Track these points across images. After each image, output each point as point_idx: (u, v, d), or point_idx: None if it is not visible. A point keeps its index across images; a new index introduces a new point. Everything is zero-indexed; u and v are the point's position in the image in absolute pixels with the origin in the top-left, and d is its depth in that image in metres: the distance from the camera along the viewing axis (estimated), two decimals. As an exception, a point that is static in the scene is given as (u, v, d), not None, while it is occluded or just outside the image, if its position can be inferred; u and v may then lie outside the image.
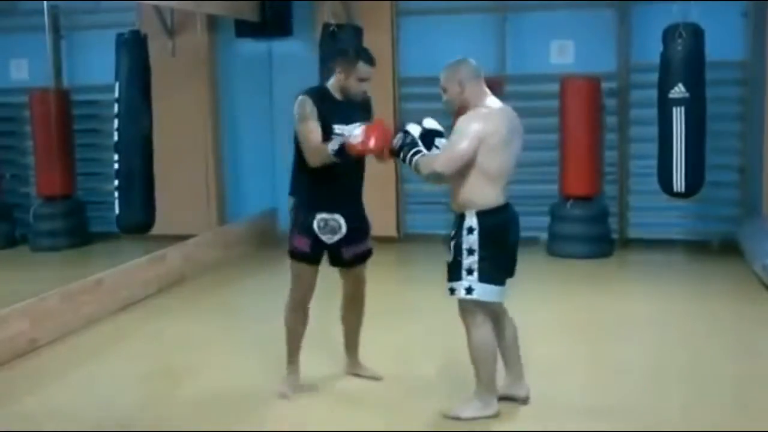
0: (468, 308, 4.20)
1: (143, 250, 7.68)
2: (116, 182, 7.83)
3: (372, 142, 4.21)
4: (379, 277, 7.51)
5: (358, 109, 4.52)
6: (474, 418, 4.25)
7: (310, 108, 4.43)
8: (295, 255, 4.61)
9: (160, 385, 5.14)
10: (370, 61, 4.48)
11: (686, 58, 7.43)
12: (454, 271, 4.17)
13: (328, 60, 6.46)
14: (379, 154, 4.39)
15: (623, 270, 8.06)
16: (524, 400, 4.43)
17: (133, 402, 4.87)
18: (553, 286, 7.33)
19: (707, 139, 7.53)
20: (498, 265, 4.14)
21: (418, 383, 4.88)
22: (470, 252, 4.11)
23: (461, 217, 4.16)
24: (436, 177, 4.16)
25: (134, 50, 7.74)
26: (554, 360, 5.27)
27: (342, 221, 4.54)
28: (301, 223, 4.56)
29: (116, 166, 7.84)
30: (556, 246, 8.29)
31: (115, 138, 7.82)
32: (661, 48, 7.56)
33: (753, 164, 8.37)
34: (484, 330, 4.19)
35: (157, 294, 7.17)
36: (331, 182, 4.47)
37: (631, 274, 7.91)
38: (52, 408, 4.73)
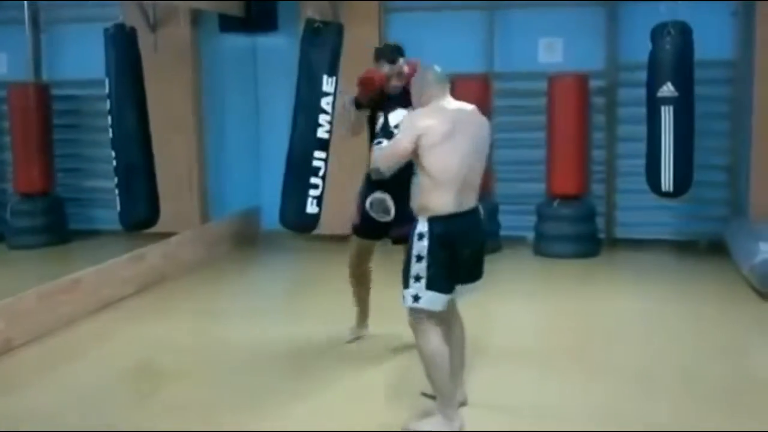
0: (417, 317, 4.05)
1: (123, 248, 7.55)
2: (116, 179, 7.78)
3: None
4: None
5: (400, 101, 4.81)
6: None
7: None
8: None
9: (139, 387, 5.06)
10: (388, 59, 4.99)
11: (675, 57, 7.35)
12: (404, 278, 4.06)
13: (307, 56, 6.62)
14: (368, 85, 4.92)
15: (610, 270, 7.98)
16: (464, 403, 4.36)
17: (110, 404, 4.75)
18: (540, 286, 7.28)
19: (695, 139, 7.46)
20: (447, 274, 4.02)
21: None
22: (419, 259, 3.99)
23: (416, 222, 4.05)
24: (377, 173, 4.18)
25: (124, 44, 7.66)
26: (541, 361, 5.24)
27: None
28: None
29: (114, 162, 7.80)
30: (543, 245, 8.22)
31: (110, 134, 7.75)
32: (649, 46, 7.48)
33: (741, 164, 8.35)
34: (434, 339, 4.04)
35: (137, 294, 7.03)
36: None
37: (618, 275, 7.82)
38: (27, 409, 4.63)
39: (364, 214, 5.12)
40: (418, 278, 3.99)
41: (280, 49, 9.18)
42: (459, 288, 4.13)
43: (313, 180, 6.65)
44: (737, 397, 4.68)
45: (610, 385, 4.83)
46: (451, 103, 4.16)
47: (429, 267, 3.97)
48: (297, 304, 7.12)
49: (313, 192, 6.65)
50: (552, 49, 8.75)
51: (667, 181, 7.36)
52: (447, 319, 4.20)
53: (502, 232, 8.39)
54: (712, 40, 7.93)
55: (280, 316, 6.56)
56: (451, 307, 4.24)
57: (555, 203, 8.21)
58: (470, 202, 4.07)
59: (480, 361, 4.93)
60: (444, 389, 4.07)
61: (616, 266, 8.13)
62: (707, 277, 7.40)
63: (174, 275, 7.64)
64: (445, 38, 8.74)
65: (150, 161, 7.86)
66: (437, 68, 4.22)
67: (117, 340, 5.98)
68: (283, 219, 6.96)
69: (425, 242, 3.97)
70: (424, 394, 4.39)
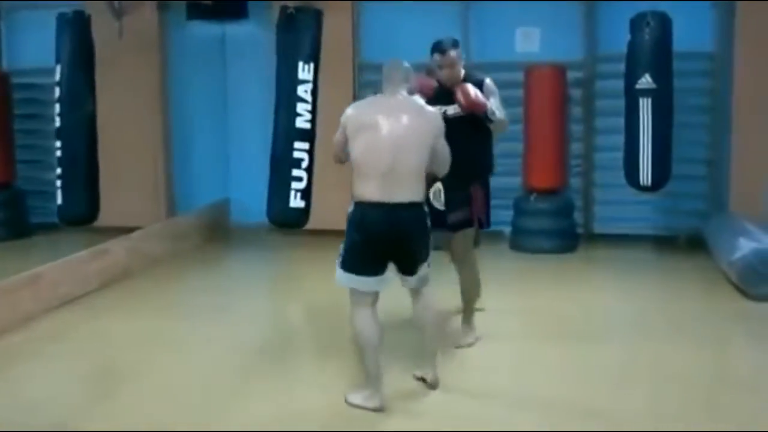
0: (350, 294, 4.28)
1: (86, 243, 7.31)
2: (58, 170, 7.50)
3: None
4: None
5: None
6: (357, 406, 4.27)
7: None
8: None
9: (99, 387, 4.87)
10: (438, 50, 5.03)
11: (653, 48, 7.19)
12: None
13: (282, 43, 6.57)
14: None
15: (588, 266, 7.87)
16: (430, 385, 4.47)
17: (63, 403, 4.56)
18: (516, 282, 7.10)
19: (674, 132, 7.31)
20: (362, 258, 4.18)
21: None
22: (344, 240, 4.27)
23: None
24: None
25: (76, 31, 7.41)
26: (517, 358, 5.17)
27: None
28: None
29: (58, 153, 7.52)
30: (520, 240, 8.08)
31: (57, 124, 7.48)
32: (628, 37, 7.30)
33: (720, 158, 8.25)
34: (358, 317, 4.25)
35: (100, 290, 6.81)
36: None
37: (596, 270, 7.69)
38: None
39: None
40: (339, 256, 4.26)
41: (250, 37, 8.98)
42: (401, 277, 4.33)
43: (296, 172, 6.55)
44: (715, 395, 4.58)
45: (587, 382, 4.73)
46: (393, 97, 4.29)
47: (345, 249, 4.23)
48: (267, 301, 7.00)
49: (296, 185, 6.55)
50: (529, 38, 8.63)
51: (645, 175, 7.20)
52: (373, 303, 4.29)
53: (478, 227, 8.20)
54: (692, 31, 7.83)
55: (249, 313, 6.35)
56: (414, 292, 4.41)
57: (532, 197, 8.05)
58: (400, 195, 4.13)
59: (451, 359, 4.90)
60: (366, 367, 4.28)
61: (593, 262, 8.01)
62: (686, 273, 7.31)
63: (138, 271, 7.43)
64: (420, 27, 8.50)
65: (93, 154, 7.55)
66: (390, 62, 4.39)
67: (77, 337, 5.77)
68: (268, 214, 6.80)
69: (346, 224, 4.23)
70: (416, 377, 4.54)
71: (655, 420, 4.16)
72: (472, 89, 4.90)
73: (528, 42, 8.61)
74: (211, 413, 4.32)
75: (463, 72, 5.10)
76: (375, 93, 4.60)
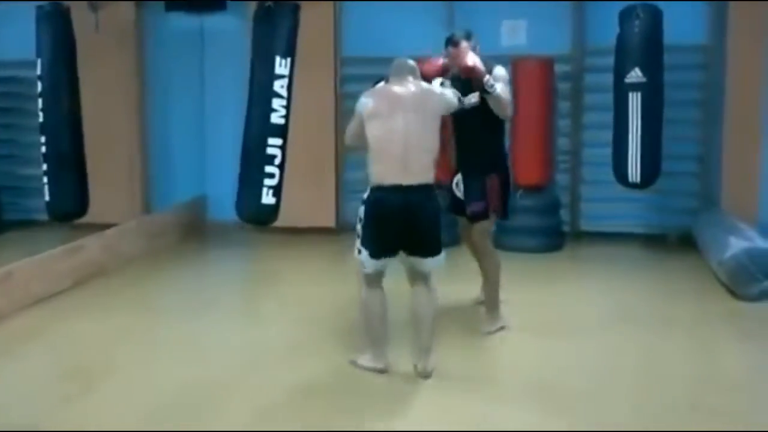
0: (358, 269, 4.69)
1: (60, 240, 7.14)
2: (45, 166, 7.47)
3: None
4: (311, 273, 7.23)
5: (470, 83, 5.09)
6: (365, 368, 4.67)
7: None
8: None
9: (70, 386, 4.69)
10: (450, 42, 5.26)
11: (643, 41, 7.03)
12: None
13: (259, 37, 6.54)
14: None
15: (574, 265, 7.70)
16: (421, 374, 4.59)
17: (34, 404, 4.44)
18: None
19: (664, 127, 7.15)
20: (376, 238, 4.49)
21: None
22: (360, 220, 4.73)
23: None
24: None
25: (56, 24, 7.33)
26: (500, 358, 5.13)
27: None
28: None
29: (43, 149, 7.48)
30: (504, 239, 7.80)
31: (41, 119, 7.42)
32: (617, 30, 7.14)
33: (712, 154, 8.07)
34: (365, 291, 4.64)
35: (73, 288, 6.61)
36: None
37: (582, 269, 7.51)
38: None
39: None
40: (358, 236, 4.75)
41: (228, 30, 8.74)
42: (410, 259, 4.54)
43: (269, 169, 6.51)
44: (700, 397, 4.45)
45: (572, 383, 4.63)
46: (402, 86, 4.56)
47: (362, 228, 4.65)
48: (243, 300, 6.86)
49: (268, 181, 6.51)
50: (515, 31, 8.41)
51: (634, 171, 7.05)
52: (379, 286, 4.63)
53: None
54: (683, 23, 7.64)
55: (224, 312, 6.20)
56: (413, 280, 4.63)
57: (517, 194, 7.86)
58: (411, 178, 4.39)
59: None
60: (369, 333, 4.69)
61: (580, 261, 7.83)
62: (676, 272, 7.15)
63: (113, 269, 7.25)
64: (404, 20, 8.44)
65: (80, 149, 7.53)
66: (397, 60, 4.74)
67: (49, 337, 5.59)
68: (239, 210, 6.68)
69: (363, 206, 4.63)
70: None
71: (639, 419, 4.12)
72: (472, 57, 5.01)
73: (514, 35, 8.41)
74: (184, 413, 4.23)
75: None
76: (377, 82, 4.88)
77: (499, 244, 7.82)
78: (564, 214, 8.34)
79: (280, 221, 6.98)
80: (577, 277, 7.20)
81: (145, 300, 6.59)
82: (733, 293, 6.24)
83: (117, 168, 8.56)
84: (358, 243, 4.73)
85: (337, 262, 7.78)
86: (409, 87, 4.55)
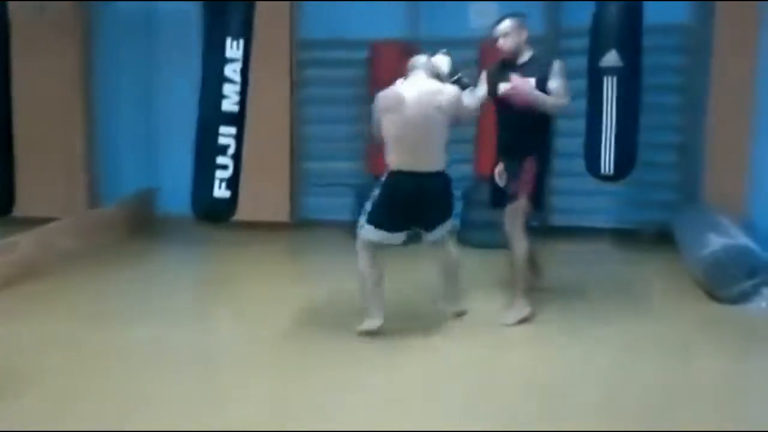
0: (358, 241, 5.23)
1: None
2: None
3: None
4: (264, 272, 6.83)
5: (516, 69, 5.41)
6: (365, 332, 5.12)
7: None
8: None
9: None
10: (496, 21, 5.51)
11: (621, 22, 6.46)
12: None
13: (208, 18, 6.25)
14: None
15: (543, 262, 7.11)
16: (456, 314, 5.49)
17: None
18: (464, 280, 6.30)
19: (642, 114, 6.59)
20: (387, 215, 5.10)
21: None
22: (372, 198, 5.17)
23: None
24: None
25: None
26: (460, 360, 4.89)
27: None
28: None
29: None
30: (469, 234, 7.42)
31: None
32: (593, 9, 6.62)
33: (693, 143, 7.63)
34: (362, 262, 5.20)
35: (3, 289, 6.22)
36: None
37: (552, 267, 6.87)
38: None
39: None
40: (364, 212, 5.18)
41: (179, 15, 8.28)
42: (423, 235, 5.29)
43: (221, 160, 6.17)
44: (671, 402, 4.26)
45: (533, 389, 4.43)
46: (412, 83, 5.12)
47: (373, 206, 5.15)
48: (190, 302, 6.43)
49: (221, 173, 6.17)
50: (484, 12, 7.85)
51: (607, 162, 6.49)
52: (381, 258, 5.24)
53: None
54: (664, 2, 7.14)
55: (174, 316, 5.84)
56: (436, 245, 5.35)
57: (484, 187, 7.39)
58: (420, 165, 5.04)
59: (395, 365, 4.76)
60: (365, 300, 5.23)
61: (550, 258, 7.24)
62: (650, 271, 6.82)
63: (50, 268, 6.83)
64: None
65: (8, 143, 7.03)
66: (415, 57, 5.26)
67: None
68: (192, 205, 6.38)
69: (378, 187, 5.16)
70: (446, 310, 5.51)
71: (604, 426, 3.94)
72: (520, 86, 5.24)
73: (483, 16, 7.90)
74: (117, 421, 4.01)
75: (528, 50, 5.46)
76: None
77: (463, 240, 7.47)
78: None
79: (243, 215, 6.66)
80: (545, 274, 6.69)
81: (83, 303, 6.14)
82: (711, 294, 5.86)
83: (60, 160, 8.22)
84: (363, 219, 5.18)
85: (294, 261, 7.49)
86: (417, 85, 5.09)
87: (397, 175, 5.09)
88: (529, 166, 5.34)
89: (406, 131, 5.01)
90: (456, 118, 5.14)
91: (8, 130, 7.04)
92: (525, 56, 5.45)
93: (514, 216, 5.46)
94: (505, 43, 5.40)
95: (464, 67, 5.52)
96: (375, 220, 5.13)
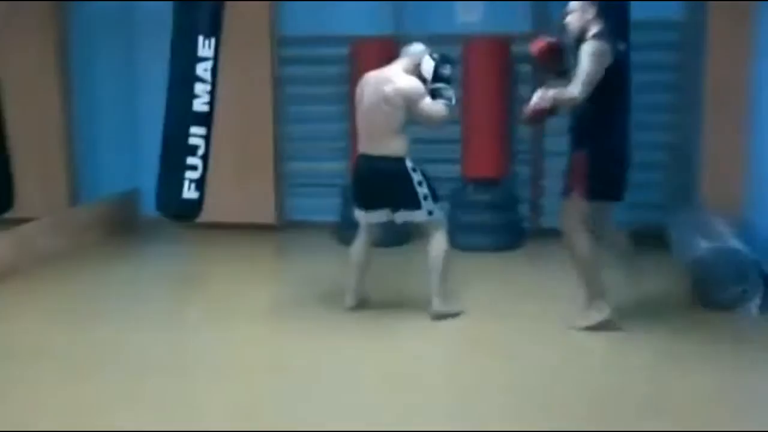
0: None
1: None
2: None
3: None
4: (250, 274, 6.75)
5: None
6: (347, 308, 5.58)
7: None
8: None
9: None
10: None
11: (610, 17, 6.18)
12: None
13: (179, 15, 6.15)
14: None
15: (533, 265, 7.07)
16: (438, 315, 5.42)
17: None
18: (452, 284, 6.05)
19: (631, 113, 6.35)
20: (359, 197, 5.50)
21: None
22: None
23: None
24: None
25: None
26: (444, 366, 4.86)
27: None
28: None
29: None
30: (457, 237, 7.10)
31: None
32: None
33: (686, 143, 7.38)
34: (354, 244, 5.63)
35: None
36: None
37: (541, 270, 6.85)
38: None
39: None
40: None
41: (160, 10, 7.96)
42: (395, 215, 5.44)
43: (191, 160, 6.12)
44: (655, 416, 4.03)
45: (510, 400, 4.24)
46: (381, 70, 5.39)
47: (352, 190, 5.58)
48: (169, 304, 6.26)
49: (190, 174, 6.12)
50: (470, 8, 7.76)
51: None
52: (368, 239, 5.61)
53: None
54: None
55: (144, 317, 5.69)
56: (426, 235, 5.50)
57: (471, 188, 7.24)
58: (374, 149, 5.32)
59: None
60: (349, 279, 5.63)
61: (539, 260, 7.17)
62: (642, 275, 6.28)
63: (27, 268, 6.71)
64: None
65: (2, 141, 7.17)
66: (414, 45, 5.46)
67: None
68: (158, 204, 6.32)
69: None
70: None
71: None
72: (536, 102, 5.05)
73: (469, 12, 7.73)
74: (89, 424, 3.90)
75: (590, 28, 4.99)
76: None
77: (452, 243, 7.17)
78: (523, 209, 7.76)
79: (214, 217, 6.69)
80: (533, 278, 6.61)
81: (60, 304, 6.02)
82: (701, 300, 5.64)
83: (40, 159, 8.13)
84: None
85: (278, 263, 7.38)
86: (382, 72, 5.35)
87: (359, 158, 5.46)
88: (579, 160, 5.06)
89: (362, 116, 5.37)
90: (410, 113, 5.23)
91: (2, 130, 7.09)
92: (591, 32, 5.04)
93: (569, 212, 5.19)
94: (571, 21, 5.12)
95: (453, 70, 5.44)
96: (353, 201, 5.57)
